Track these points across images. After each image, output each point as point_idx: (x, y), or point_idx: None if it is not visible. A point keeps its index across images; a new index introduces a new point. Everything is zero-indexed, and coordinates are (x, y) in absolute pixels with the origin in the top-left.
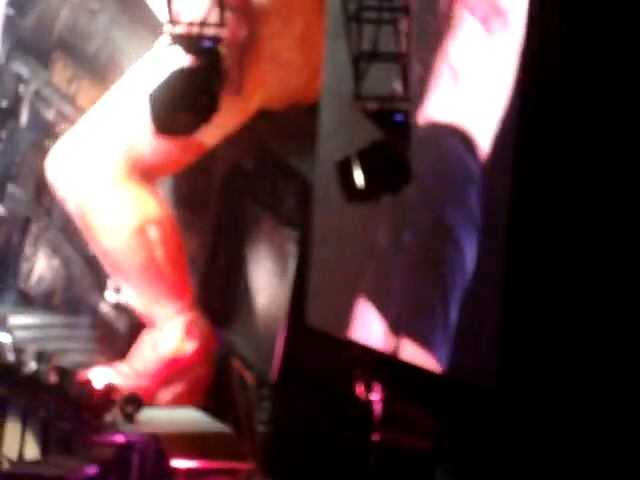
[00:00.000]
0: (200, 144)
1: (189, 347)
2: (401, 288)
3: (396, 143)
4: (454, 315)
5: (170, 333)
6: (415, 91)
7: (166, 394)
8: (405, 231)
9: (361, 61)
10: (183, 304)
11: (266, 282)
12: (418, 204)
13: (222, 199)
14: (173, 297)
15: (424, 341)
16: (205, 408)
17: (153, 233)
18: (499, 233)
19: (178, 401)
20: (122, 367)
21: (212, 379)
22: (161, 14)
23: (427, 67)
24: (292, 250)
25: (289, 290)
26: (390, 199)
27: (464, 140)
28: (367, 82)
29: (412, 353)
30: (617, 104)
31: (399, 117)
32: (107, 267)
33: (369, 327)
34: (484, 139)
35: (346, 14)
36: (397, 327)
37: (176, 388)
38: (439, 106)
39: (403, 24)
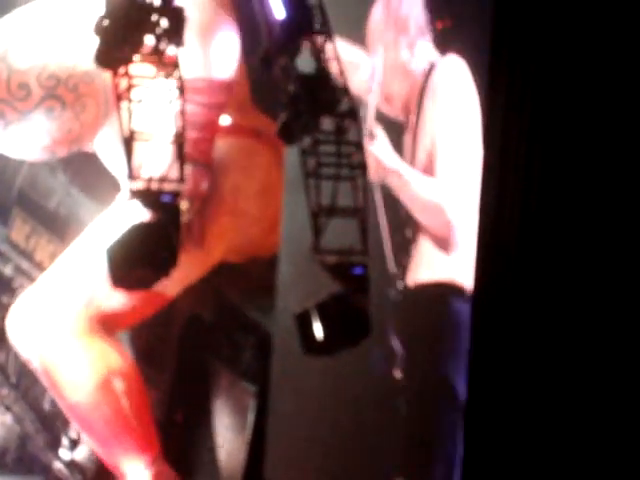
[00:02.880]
0: (162, 296)
1: None
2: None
3: (355, 296)
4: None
5: None
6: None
7: None
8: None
9: (320, 215)
10: (151, 456)
11: (224, 437)
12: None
13: (180, 352)
14: (141, 449)
15: None
16: None
17: (118, 385)
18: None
19: None
20: None
21: None
22: (116, 172)
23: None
24: (251, 404)
25: (247, 445)
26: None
27: (460, 294)
28: (326, 235)
29: None
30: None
31: (358, 270)
32: (74, 423)
33: None
34: (469, 284)
35: (305, 170)
36: None
37: None
38: (428, 265)
39: (361, 180)
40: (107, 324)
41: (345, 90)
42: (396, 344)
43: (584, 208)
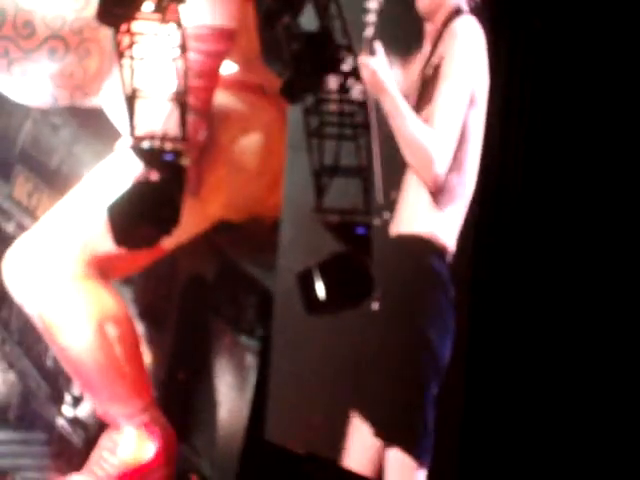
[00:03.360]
0: (158, 247)
1: (150, 449)
2: (375, 400)
3: (358, 256)
4: (431, 418)
5: (129, 435)
6: (385, 203)
7: None
8: (375, 342)
9: (322, 175)
10: (143, 402)
11: (226, 396)
12: (390, 316)
13: (182, 311)
14: (133, 395)
15: (409, 451)
16: None
17: (112, 331)
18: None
19: None
20: (80, 477)
21: None
22: (122, 127)
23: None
24: (252, 362)
25: (248, 404)
26: (355, 312)
27: (439, 252)
28: (328, 195)
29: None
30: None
31: (361, 230)
32: (66, 367)
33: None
34: (451, 244)
35: (307, 130)
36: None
37: None
38: (411, 217)
39: (364, 139)
40: (102, 269)
41: (348, 48)
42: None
43: (583, 177)
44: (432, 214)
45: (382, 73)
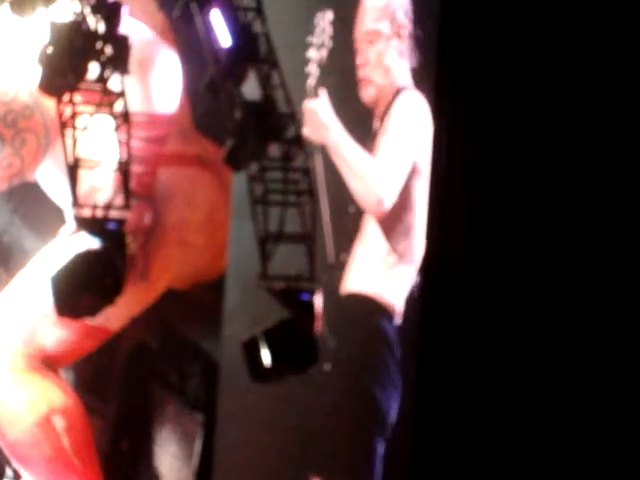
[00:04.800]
0: (104, 329)
1: None
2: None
3: (303, 322)
4: (378, 471)
5: None
6: (336, 264)
7: None
8: (321, 403)
9: (267, 242)
10: None
11: (171, 465)
12: (338, 374)
13: (126, 380)
14: None
15: None
16: None
17: (59, 423)
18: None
19: None
20: None
21: None
22: (61, 201)
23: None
24: (197, 432)
25: (194, 474)
26: (298, 378)
27: (387, 312)
28: (273, 262)
29: None
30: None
31: (305, 296)
32: (14, 460)
33: None
34: (399, 305)
35: (252, 197)
36: None
37: None
38: (360, 278)
39: (308, 206)
40: (49, 361)
41: (291, 117)
42: (330, 339)
43: (523, 218)
44: (381, 276)
45: (324, 112)
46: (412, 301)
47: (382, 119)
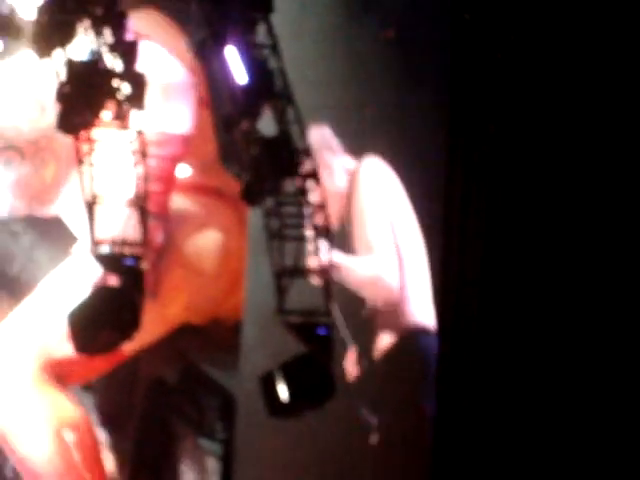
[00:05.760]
0: (117, 352)
1: None
2: None
3: (319, 356)
4: None
5: None
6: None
7: None
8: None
9: (283, 277)
10: None
11: None
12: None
13: (143, 415)
14: None
15: None
16: None
17: (69, 437)
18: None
19: None
20: None
21: None
22: (80, 234)
23: None
24: (215, 466)
25: None
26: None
27: (423, 337)
28: (290, 296)
29: None
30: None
31: (322, 330)
32: (25, 475)
33: None
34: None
35: (268, 232)
36: None
37: None
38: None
39: (324, 241)
40: (59, 375)
41: (306, 152)
42: (369, 415)
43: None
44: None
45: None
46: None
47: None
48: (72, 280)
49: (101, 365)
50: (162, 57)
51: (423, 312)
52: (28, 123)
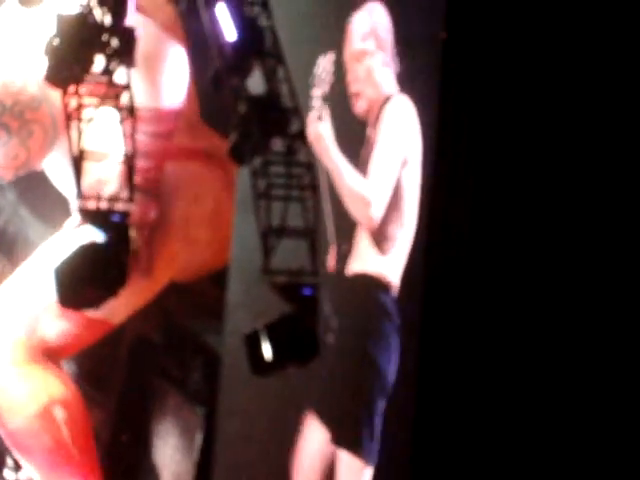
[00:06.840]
0: (106, 323)
1: None
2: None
3: (304, 316)
4: (378, 426)
5: None
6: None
7: None
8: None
9: (269, 236)
10: None
11: (171, 458)
12: (342, 345)
13: (127, 373)
14: (81, 479)
15: (357, 453)
16: None
17: (59, 414)
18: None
19: None
20: None
21: None
22: (65, 191)
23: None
24: (198, 424)
25: (194, 466)
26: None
27: (385, 287)
28: (276, 256)
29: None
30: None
31: (307, 291)
32: (14, 450)
33: None
34: (395, 281)
35: (255, 191)
36: None
37: None
38: (362, 261)
39: (311, 201)
40: (50, 353)
41: (295, 111)
42: (331, 315)
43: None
44: (379, 258)
45: (327, 138)
46: (410, 274)
47: (375, 126)
48: (61, 249)
49: (91, 337)
50: (150, 31)
51: (392, 266)
52: (10, 97)
